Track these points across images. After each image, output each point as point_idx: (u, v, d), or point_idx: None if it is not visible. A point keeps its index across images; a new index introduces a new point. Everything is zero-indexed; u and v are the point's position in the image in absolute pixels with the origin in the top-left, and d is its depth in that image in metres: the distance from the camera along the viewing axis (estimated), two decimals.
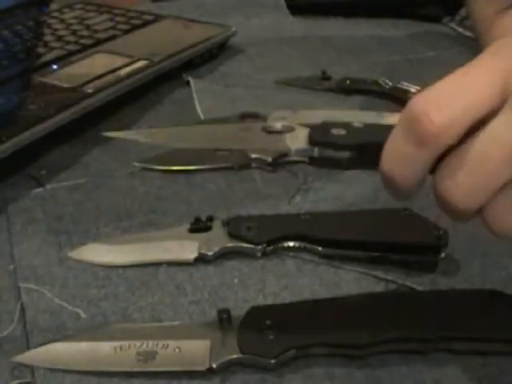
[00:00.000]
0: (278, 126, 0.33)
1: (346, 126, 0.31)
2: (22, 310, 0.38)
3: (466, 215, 0.27)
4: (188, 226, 0.43)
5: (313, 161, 0.32)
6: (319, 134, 0.31)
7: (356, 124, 0.31)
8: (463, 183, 0.26)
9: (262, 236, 0.42)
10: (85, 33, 0.70)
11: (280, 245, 0.42)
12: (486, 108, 0.26)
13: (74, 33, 0.70)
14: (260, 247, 0.42)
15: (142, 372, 0.34)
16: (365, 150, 0.30)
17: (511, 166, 0.25)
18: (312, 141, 0.32)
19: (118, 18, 0.74)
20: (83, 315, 0.38)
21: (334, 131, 0.31)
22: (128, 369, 0.34)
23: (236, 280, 0.41)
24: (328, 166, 0.33)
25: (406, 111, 0.27)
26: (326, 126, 0.31)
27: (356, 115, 0.57)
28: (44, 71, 0.60)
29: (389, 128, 0.27)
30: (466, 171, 0.26)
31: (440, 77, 0.27)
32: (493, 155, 0.25)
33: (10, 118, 0.52)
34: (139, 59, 0.62)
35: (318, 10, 0.85)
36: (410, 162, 0.27)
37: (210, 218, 0.44)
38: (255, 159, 0.51)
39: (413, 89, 0.59)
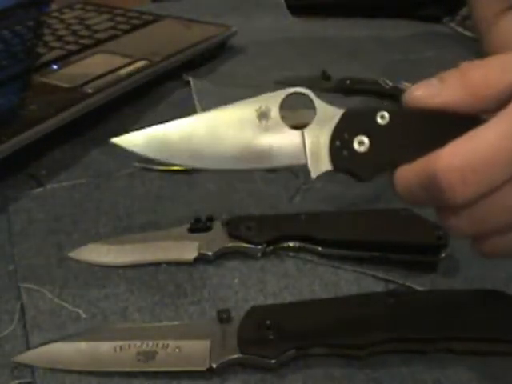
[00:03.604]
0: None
1: (368, 129, 0.28)
2: (22, 310, 0.38)
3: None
4: (188, 225, 0.43)
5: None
6: (341, 158, 0.28)
7: (380, 121, 0.28)
8: (466, 230, 0.28)
9: (262, 236, 0.42)
10: (85, 33, 0.70)
11: (280, 245, 0.42)
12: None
13: (74, 33, 0.70)
14: (260, 247, 0.42)
15: (142, 372, 0.34)
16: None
17: None
18: (334, 165, 0.29)
19: (118, 18, 0.74)
20: (83, 315, 0.38)
21: (356, 145, 0.28)
22: (128, 369, 0.34)
23: (236, 280, 0.41)
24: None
25: (428, 168, 0.26)
26: (348, 135, 0.28)
27: None
28: (44, 71, 0.60)
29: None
30: (472, 222, 0.27)
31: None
32: (500, 220, 0.27)
33: (10, 118, 0.52)
34: (139, 59, 0.62)
35: (318, 10, 0.85)
36: (422, 202, 0.28)
37: (210, 218, 0.44)
38: None
39: None
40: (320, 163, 0.29)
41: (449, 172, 0.25)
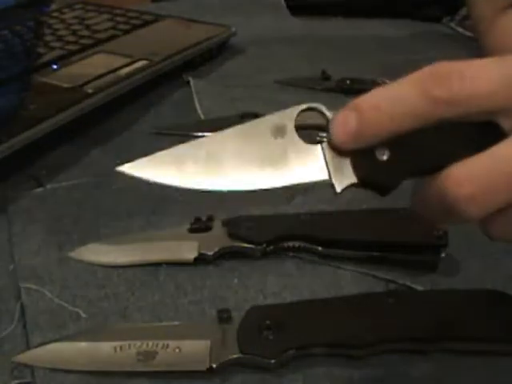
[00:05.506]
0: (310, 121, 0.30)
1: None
2: (22, 310, 0.38)
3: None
4: (188, 225, 0.43)
5: None
6: (365, 169, 0.28)
7: None
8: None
9: (262, 236, 0.42)
10: (85, 33, 0.70)
11: (280, 245, 0.42)
12: None
13: (74, 33, 0.70)
14: (260, 247, 0.42)
15: (142, 372, 0.34)
16: None
17: None
18: (359, 177, 0.28)
19: (118, 18, 0.74)
20: (83, 315, 0.38)
21: (378, 154, 0.27)
22: (128, 369, 0.34)
23: (236, 280, 0.41)
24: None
25: (439, 184, 0.26)
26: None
27: None
28: (44, 71, 0.60)
29: None
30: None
31: None
32: None
33: (10, 118, 0.52)
34: (139, 59, 0.62)
35: (318, 10, 0.85)
36: (438, 216, 0.27)
37: (210, 218, 0.44)
38: None
39: None
40: (344, 177, 0.29)
41: (457, 188, 0.25)
